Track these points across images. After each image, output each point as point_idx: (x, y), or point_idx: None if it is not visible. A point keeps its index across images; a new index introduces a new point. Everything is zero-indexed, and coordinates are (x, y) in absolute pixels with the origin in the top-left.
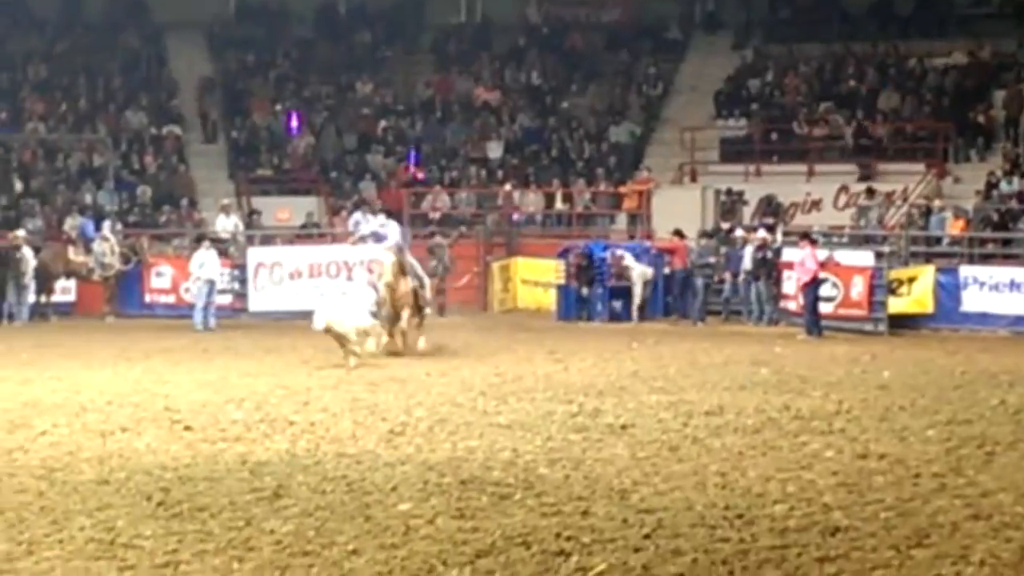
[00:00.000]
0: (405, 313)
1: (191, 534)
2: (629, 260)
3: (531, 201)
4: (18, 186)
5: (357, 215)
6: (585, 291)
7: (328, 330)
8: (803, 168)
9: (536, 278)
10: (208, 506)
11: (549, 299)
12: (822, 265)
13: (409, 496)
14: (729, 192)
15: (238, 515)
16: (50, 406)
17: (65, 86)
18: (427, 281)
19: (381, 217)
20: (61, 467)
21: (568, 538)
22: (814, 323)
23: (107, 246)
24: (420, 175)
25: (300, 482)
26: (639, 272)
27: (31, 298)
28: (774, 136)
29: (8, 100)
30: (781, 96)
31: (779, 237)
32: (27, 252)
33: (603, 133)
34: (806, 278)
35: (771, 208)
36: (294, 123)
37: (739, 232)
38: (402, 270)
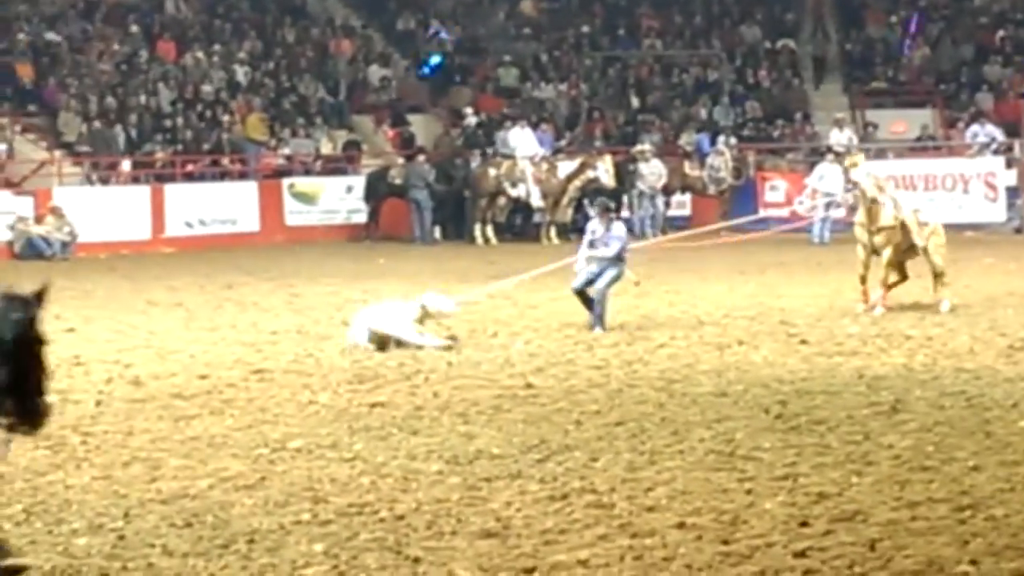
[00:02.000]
0: (886, 252)
1: (809, 447)
2: None
3: None
4: (635, 102)
5: (975, 127)
6: None
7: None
8: None
9: None
10: (826, 419)
11: None
12: None
13: None
14: None
15: (856, 429)
16: (667, 319)
17: (681, 1)
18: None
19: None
20: (680, 379)
21: None
22: None
23: (721, 161)
24: None
25: (918, 397)
26: None
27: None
28: None
29: (625, 16)
30: None
31: None
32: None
33: None
34: None
35: None
36: (912, 28)
37: None
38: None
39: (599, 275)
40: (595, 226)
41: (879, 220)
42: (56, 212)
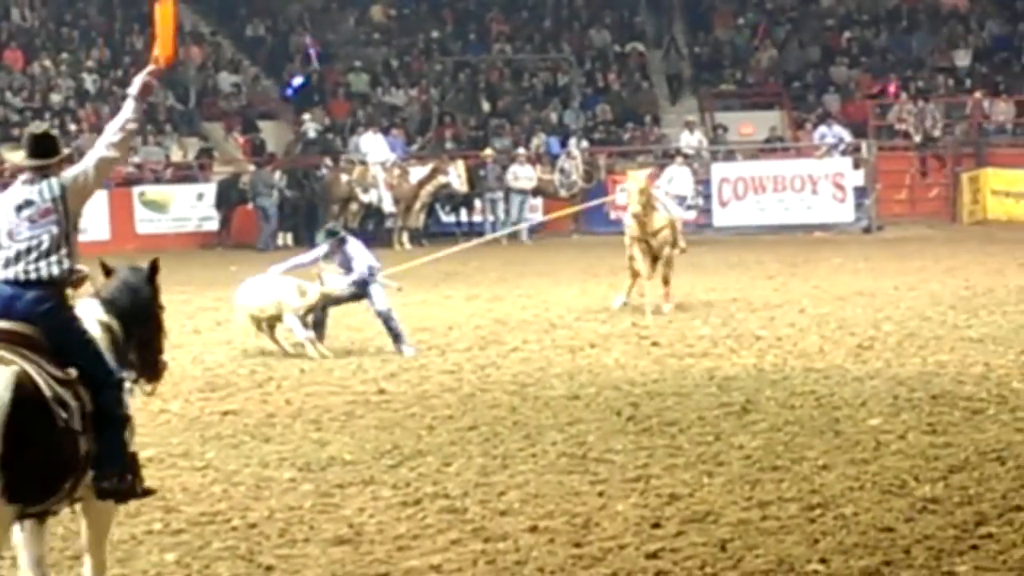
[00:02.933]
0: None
1: (661, 448)
2: None
3: (1002, 110)
4: (485, 106)
5: (823, 128)
6: None
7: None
8: None
9: (1008, 188)
10: (677, 421)
11: (1021, 210)
12: None
13: (879, 411)
14: None
15: (707, 430)
16: (519, 323)
17: (530, 6)
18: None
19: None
20: (533, 383)
21: None
22: None
23: (572, 164)
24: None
25: (768, 397)
26: None
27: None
28: None
29: (475, 21)
30: None
31: None
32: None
33: None
34: None
35: None
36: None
37: None
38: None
39: (368, 298)
40: (327, 255)
41: (654, 224)
42: None
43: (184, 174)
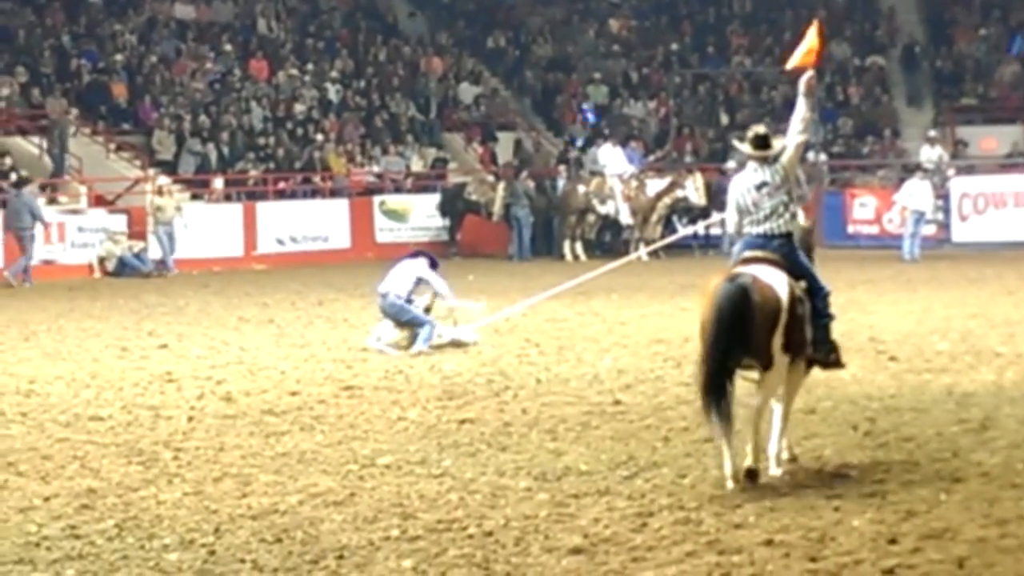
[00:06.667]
0: None
1: (897, 464)
2: None
3: None
4: (724, 119)
5: None
6: None
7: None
8: None
9: None
10: (914, 436)
11: None
12: None
13: None
14: None
15: (945, 446)
16: None
17: (770, 19)
18: None
19: None
20: None
21: None
22: None
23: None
24: None
25: (1007, 414)
26: None
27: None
28: None
29: (715, 34)
30: None
31: None
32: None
33: None
34: None
35: None
36: (1015, 47)
37: None
38: None
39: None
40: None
41: None
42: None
43: (423, 184)
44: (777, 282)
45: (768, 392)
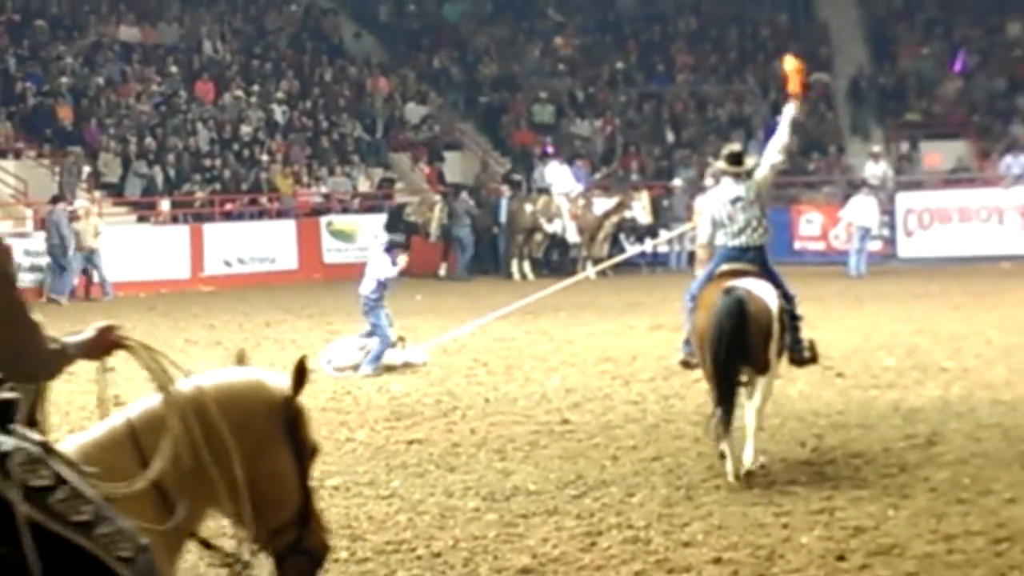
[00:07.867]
0: None
1: (845, 480)
2: None
3: None
4: (670, 137)
5: (1008, 158)
6: None
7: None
8: None
9: None
10: (862, 452)
11: None
12: None
13: None
14: None
15: (892, 462)
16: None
17: (715, 37)
18: None
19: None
20: None
21: None
22: None
23: None
24: None
25: (954, 429)
26: None
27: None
28: None
29: (659, 52)
30: None
31: None
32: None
33: None
34: None
35: None
36: (958, 64)
37: None
38: None
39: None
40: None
41: None
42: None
43: (371, 204)
44: (767, 294)
45: (767, 394)
